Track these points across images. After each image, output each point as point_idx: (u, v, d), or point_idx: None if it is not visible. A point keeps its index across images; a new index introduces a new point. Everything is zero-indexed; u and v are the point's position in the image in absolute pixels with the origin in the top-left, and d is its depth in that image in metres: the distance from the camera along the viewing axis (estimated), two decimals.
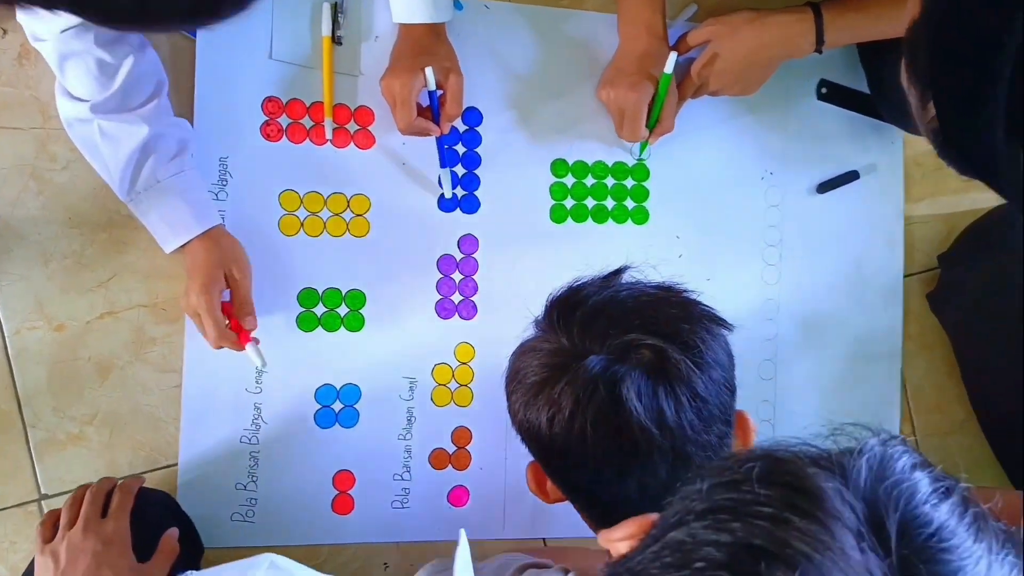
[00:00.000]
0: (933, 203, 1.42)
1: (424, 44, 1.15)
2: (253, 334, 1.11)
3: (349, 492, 1.20)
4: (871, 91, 1.33)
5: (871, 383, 1.39)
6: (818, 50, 1.17)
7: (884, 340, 1.39)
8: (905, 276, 1.40)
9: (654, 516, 0.55)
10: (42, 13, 0.59)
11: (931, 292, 1.41)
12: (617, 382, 0.75)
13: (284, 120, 1.18)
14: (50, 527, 1.02)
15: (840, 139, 1.36)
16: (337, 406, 1.20)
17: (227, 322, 1.09)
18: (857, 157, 1.37)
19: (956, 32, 0.70)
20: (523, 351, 0.85)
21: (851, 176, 1.36)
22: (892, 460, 0.49)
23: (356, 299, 1.20)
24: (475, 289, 1.24)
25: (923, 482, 0.48)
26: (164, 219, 1.07)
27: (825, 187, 1.35)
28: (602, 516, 0.84)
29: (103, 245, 1.14)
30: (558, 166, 1.27)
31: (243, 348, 1.10)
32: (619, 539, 0.60)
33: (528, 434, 0.83)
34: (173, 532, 1.03)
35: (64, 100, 1.05)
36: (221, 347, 1.08)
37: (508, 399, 0.86)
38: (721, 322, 0.82)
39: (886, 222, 1.39)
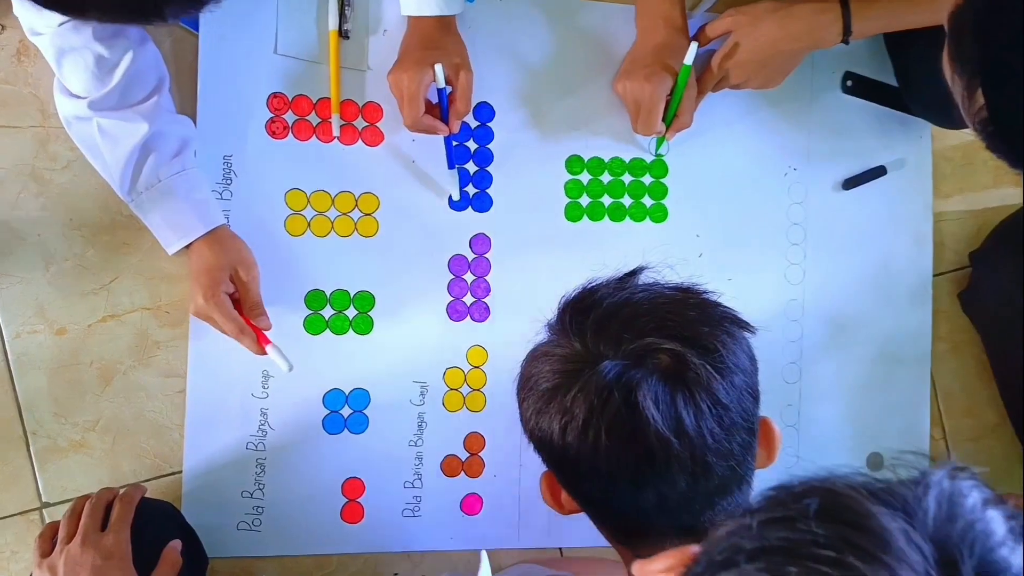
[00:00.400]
0: (963, 199, 1.39)
1: (434, 38, 1.12)
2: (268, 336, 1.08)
3: (358, 500, 1.17)
4: (898, 83, 1.30)
5: (900, 386, 1.35)
6: (845, 41, 1.13)
7: (913, 341, 1.35)
8: (934, 275, 1.36)
9: (695, 548, 0.51)
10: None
11: (962, 291, 1.37)
12: (633, 389, 0.71)
13: (290, 117, 1.15)
14: (48, 540, 0.99)
15: (866, 133, 1.33)
16: (346, 411, 1.17)
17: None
18: (884, 152, 1.33)
19: (1005, 16, 0.67)
20: (534, 356, 0.81)
21: (878, 172, 1.33)
22: (962, 495, 0.45)
23: (365, 301, 1.17)
24: (488, 290, 1.21)
25: (996, 521, 0.44)
26: (166, 219, 1.05)
27: (851, 183, 1.32)
28: (619, 529, 0.81)
29: (105, 247, 1.11)
30: (573, 163, 1.24)
31: (263, 350, 1.07)
32: (658, 572, 0.56)
33: (540, 443, 0.80)
34: (176, 545, 1.00)
35: (62, 97, 1.03)
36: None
37: (519, 406, 0.83)
38: (743, 324, 0.79)
39: (914, 219, 1.35)
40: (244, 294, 1.06)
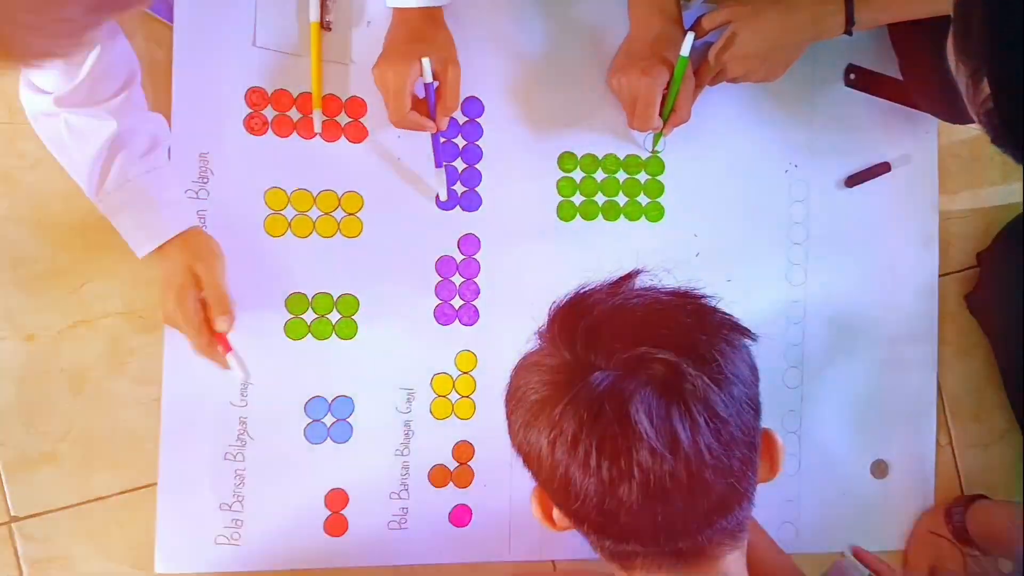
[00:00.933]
0: (971, 196, 1.36)
1: (420, 30, 1.08)
2: (232, 342, 1.04)
3: (342, 512, 1.14)
4: (903, 76, 1.27)
5: (905, 390, 1.32)
6: (848, 32, 1.10)
7: (918, 344, 1.32)
8: (941, 275, 1.33)
9: None
10: None
11: (969, 293, 1.35)
12: (625, 401, 0.67)
13: (269, 112, 1.12)
14: None
15: (870, 129, 1.30)
16: (329, 420, 1.13)
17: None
18: (888, 148, 1.30)
19: (1015, 1, 0.63)
20: (523, 366, 0.78)
21: (882, 168, 1.30)
22: None
23: (348, 304, 1.14)
24: (477, 293, 1.18)
25: None
26: (135, 221, 1.01)
27: (854, 180, 1.29)
28: (613, 549, 0.76)
29: (76, 249, 1.08)
30: (566, 160, 1.20)
31: (227, 364, 1.03)
32: None
33: (529, 458, 0.76)
34: None
35: (28, 93, 0.99)
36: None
37: (507, 419, 0.79)
38: (743, 331, 0.75)
39: (920, 217, 1.32)
40: (205, 290, 1.01)
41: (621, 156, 1.22)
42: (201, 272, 1.01)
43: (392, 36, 1.10)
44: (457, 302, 1.17)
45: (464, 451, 1.17)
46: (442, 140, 1.14)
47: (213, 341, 1.01)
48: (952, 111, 1.22)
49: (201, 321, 1.01)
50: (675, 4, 1.14)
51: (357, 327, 1.14)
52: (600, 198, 1.21)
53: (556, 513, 0.79)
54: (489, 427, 1.16)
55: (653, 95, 1.11)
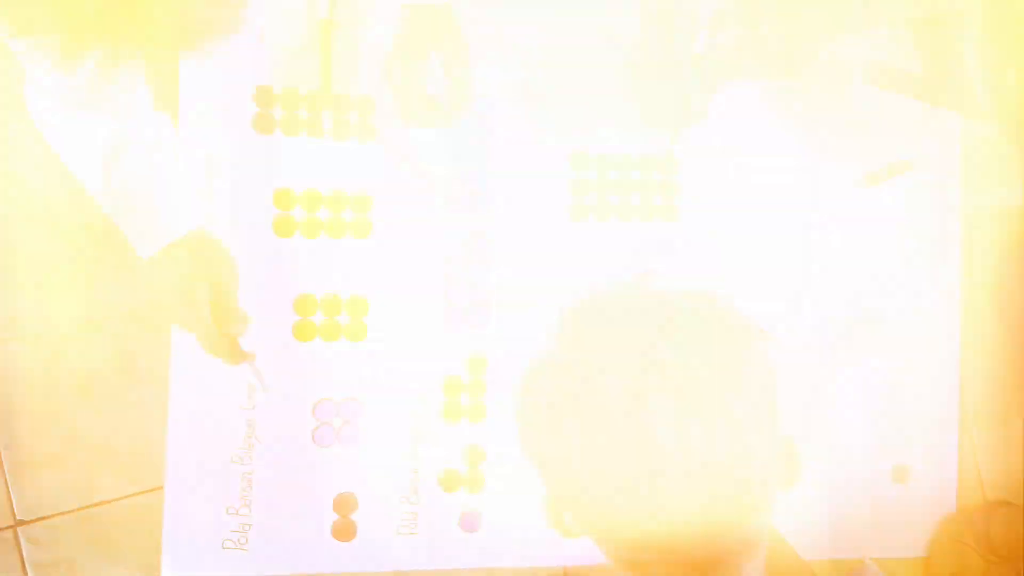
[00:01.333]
0: (993, 194, 1.33)
1: (430, 27, 1.07)
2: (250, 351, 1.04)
3: (351, 516, 1.13)
4: (925, 72, 1.25)
5: (925, 394, 1.30)
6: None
7: (940, 346, 1.31)
8: (962, 275, 1.31)
9: None
10: None
11: (993, 293, 1.32)
12: (640, 405, 0.66)
13: (277, 111, 1.12)
14: None
15: (890, 126, 1.28)
16: (337, 422, 1.13)
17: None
18: (909, 145, 1.29)
19: None
20: (535, 368, 0.76)
21: (902, 166, 1.28)
22: None
23: (357, 306, 1.14)
24: (488, 295, 1.17)
25: None
26: (139, 221, 1.00)
27: (874, 179, 1.27)
28: (626, 558, 0.75)
29: (83, 248, 1.08)
30: (578, 159, 1.19)
31: (238, 361, 1.03)
32: None
33: (541, 462, 0.75)
34: None
35: (32, 92, 0.98)
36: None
37: (518, 422, 0.77)
38: (760, 333, 0.73)
39: (941, 216, 1.31)
40: (221, 302, 1.01)
41: (635, 155, 1.21)
42: (219, 284, 1.00)
43: (402, 32, 1.09)
44: (468, 304, 1.16)
45: (475, 454, 1.16)
46: (452, 138, 1.13)
47: (223, 341, 1.01)
48: (974, 107, 1.20)
49: (212, 323, 1.00)
50: None
51: (366, 329, 1.14)
52: (613, 198, 1.20)
53: (569, 519, 0.77)
54: (500, 430, 1.16)
55: None
